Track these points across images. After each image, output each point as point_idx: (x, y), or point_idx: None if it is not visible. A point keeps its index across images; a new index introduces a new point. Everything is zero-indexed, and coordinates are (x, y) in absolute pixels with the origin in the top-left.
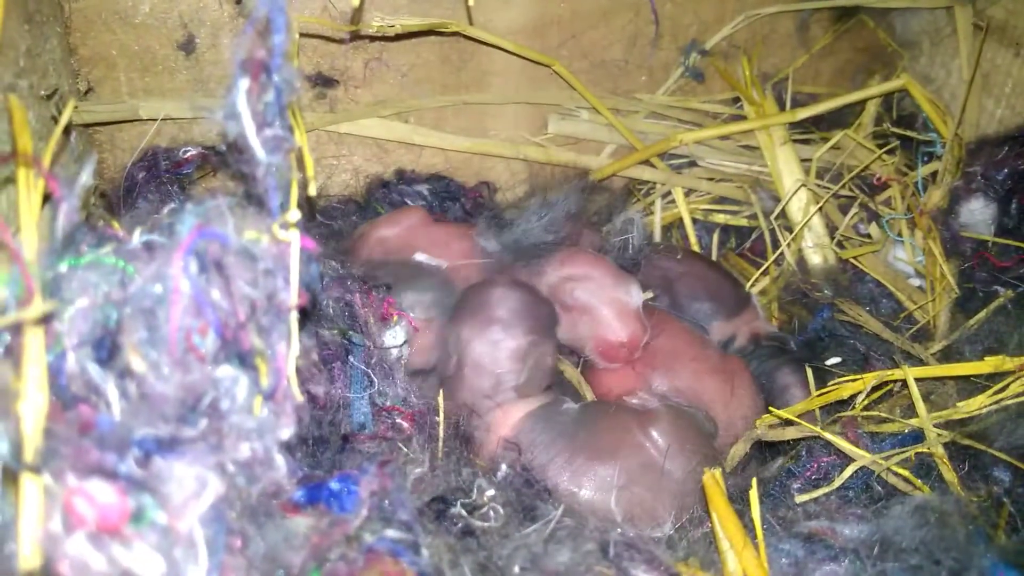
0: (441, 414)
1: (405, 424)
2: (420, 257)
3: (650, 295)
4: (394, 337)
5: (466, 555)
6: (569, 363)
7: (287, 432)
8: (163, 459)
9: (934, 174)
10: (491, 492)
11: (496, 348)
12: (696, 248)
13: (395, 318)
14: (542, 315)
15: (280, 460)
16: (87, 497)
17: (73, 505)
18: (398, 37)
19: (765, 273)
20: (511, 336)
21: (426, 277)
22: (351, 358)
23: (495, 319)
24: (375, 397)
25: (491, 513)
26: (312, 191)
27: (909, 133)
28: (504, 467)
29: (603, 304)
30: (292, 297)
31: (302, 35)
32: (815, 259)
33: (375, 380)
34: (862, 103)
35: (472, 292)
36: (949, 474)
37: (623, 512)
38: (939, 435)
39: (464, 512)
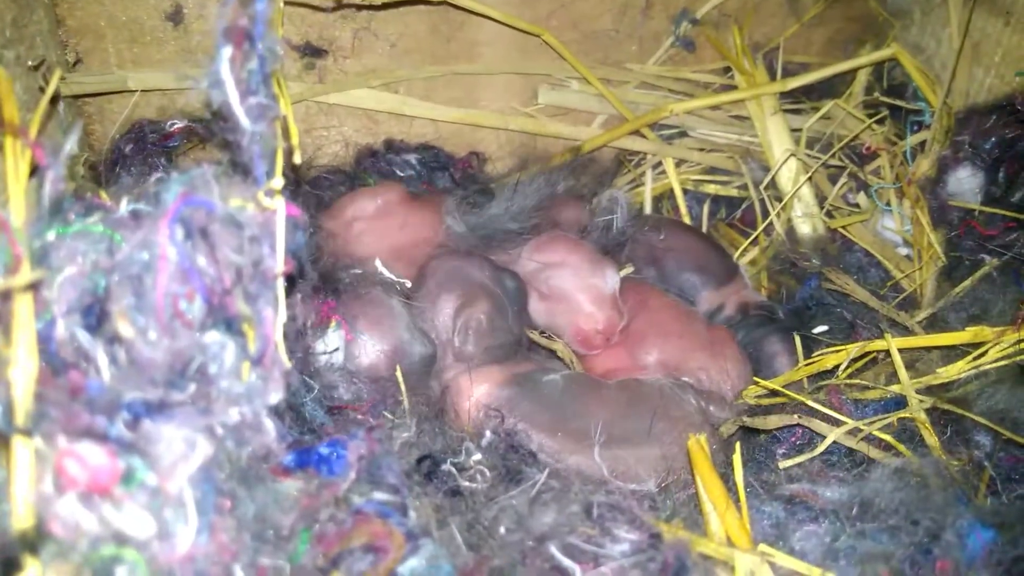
0: (402, 386)
1: (360, 417)
2: (379, 267)
3: (629, 269)
4: (326, 344)
5: (453, 516)
6: (561, 341)
7: (276, 397)
8: (152, 422)
9: (923, 143)
10: (477, 456)
11: (434, 313)
12: (687, 219)
13: (332, 323)
14: (471, 277)
15: (269, 424)
16: (78, 459)
17: (64, 467)
18: (386, 6)
19: (754, 243)
20: (442, 300)
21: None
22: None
23: (428, 288)
24: (322, 400)
25: (478, 476)
26: (297, 159)
27: (899, 102)
28: (488, 433)
29: (578, 291)
30: (278, 264)
31: (289, 4)
32: (804, 229)
33: (314, 386)
34: (852, 73)
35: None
36: (931, 439)
37: (607, 468)
38: (921, 401)
39: (454, 470)
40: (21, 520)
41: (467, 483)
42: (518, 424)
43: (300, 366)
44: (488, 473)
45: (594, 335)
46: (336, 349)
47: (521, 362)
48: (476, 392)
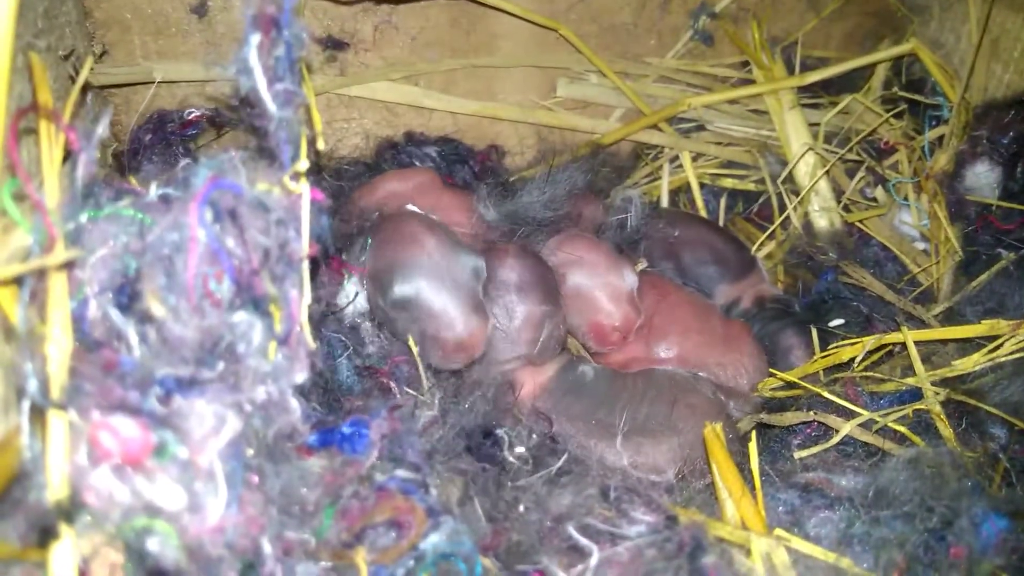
0: (419, 363)
1: (386, 381)
2: (411, 208)
3: (643, 265)
4: (346, 296)
5: (475, 492)
6: (573, 337)
7: (301, 376)
8: (183, 397)
9: (941, 138)
10: (521, 450)
11: (511, 316)
12: (704, 212)
13: (346, 275)
14: (552, 284)
15: (294, 403)
16: (111, 431)
17: (98, 439)
18: (406, 0)
19: (771, 237)
20: (525, 305)
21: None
22: (322, 328)
23: (509, 287)
24: (353, 358)
25: (517, 460)
26: (321, 145)
27: (917, 97)
28: (535, 436)
29: (596, 289)
30: (304, 246)
31: None
32: (821, 223)
33: (349, 343)
34: (871, 67)
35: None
36: (946, 430)
37: (628, 457)
38: (936, 393)
39: (507, 438)
40: (56, 491)
41: (512, 459)
42: (556, 414)
43: (334, 325)
44: (531, 462)
45: (611, 332)
46: (356, 295)
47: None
48: (532, 385)
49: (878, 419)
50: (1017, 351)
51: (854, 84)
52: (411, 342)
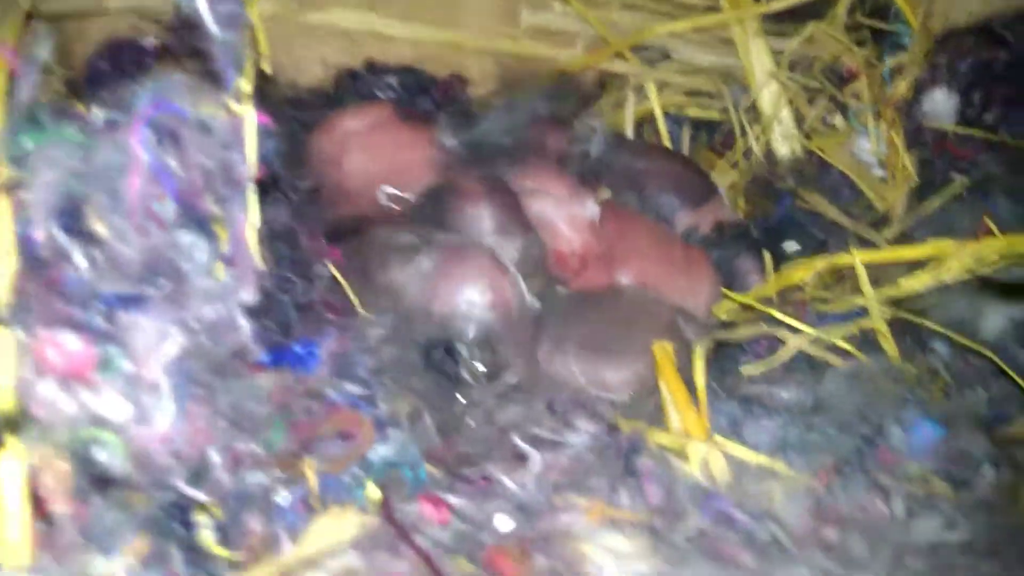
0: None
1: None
2: (388, 190)
3: (607, 195)
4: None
5: (425, 410)
6: None
7: (248, 295)
8: (128, 313)
9: (903, 66)
10: (479, 365)
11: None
12: (667, 142)
13: None
14: (521, 210)
15: (244, 323)
16: (56, 346)
17: (43, 353)
18: None
19: (733, 165)
20: (512, 242)
21: None
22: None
23: (485, 233)
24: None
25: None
26: (267, 68)
27: (879, 24)
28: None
29: (557, 218)
30: (249, 168)
31: None
32: (783, 150)
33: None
34: None
35: (454, 202)
36: (890, 347)
37: (582, 374)
38: (881, 311)
39: (464, 353)
40: (2, 403)
41: (465, 373)
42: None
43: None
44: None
45: (571, 257)
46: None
47: None
48: None
49: (823, 336)
50: (963, 271)
51: (820, 13)
52: (332, 268)
